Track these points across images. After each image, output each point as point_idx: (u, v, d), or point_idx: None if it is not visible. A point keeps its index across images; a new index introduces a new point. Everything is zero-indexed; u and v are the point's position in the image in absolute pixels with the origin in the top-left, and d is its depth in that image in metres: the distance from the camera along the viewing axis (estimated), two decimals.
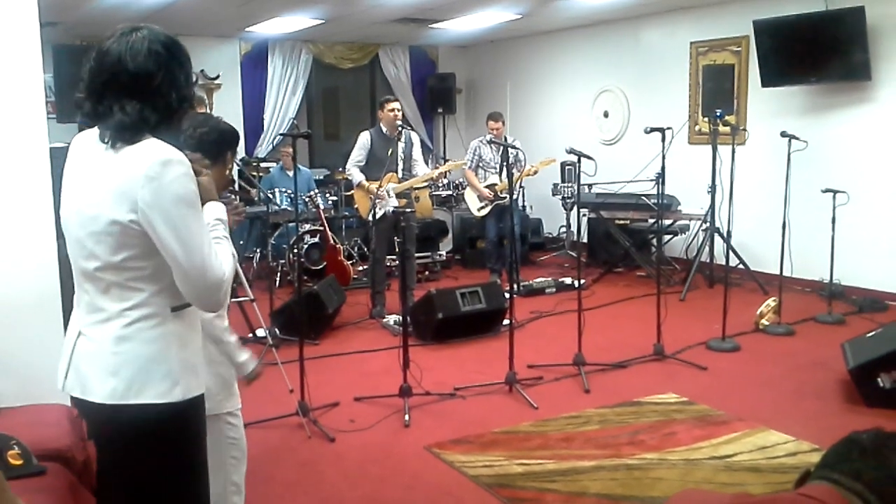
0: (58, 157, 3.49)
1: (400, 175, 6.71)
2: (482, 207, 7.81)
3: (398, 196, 6.63)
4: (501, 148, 7.57)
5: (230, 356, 2.69)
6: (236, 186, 8.72)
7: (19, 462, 2.59)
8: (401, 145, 6.68)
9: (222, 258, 1.96)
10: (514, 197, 7.85)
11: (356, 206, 7.08)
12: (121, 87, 1.85)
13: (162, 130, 1.91)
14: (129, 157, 1.85)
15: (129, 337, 1.91)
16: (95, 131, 1.94)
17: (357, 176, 6.70)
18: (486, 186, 7.74)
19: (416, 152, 6.90)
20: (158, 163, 1.83)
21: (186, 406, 1.97)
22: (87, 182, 1.90)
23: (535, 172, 7.66)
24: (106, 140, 1.88)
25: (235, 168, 8.66)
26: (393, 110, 6.66)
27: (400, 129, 6.64)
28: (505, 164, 6.13)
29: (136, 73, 1.85)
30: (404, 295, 5.16)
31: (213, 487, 2.20)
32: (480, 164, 7.84)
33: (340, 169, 8.55)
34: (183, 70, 1.94)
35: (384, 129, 6.72)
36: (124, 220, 1.84)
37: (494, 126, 7.63)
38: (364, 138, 6.75)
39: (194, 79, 1.99)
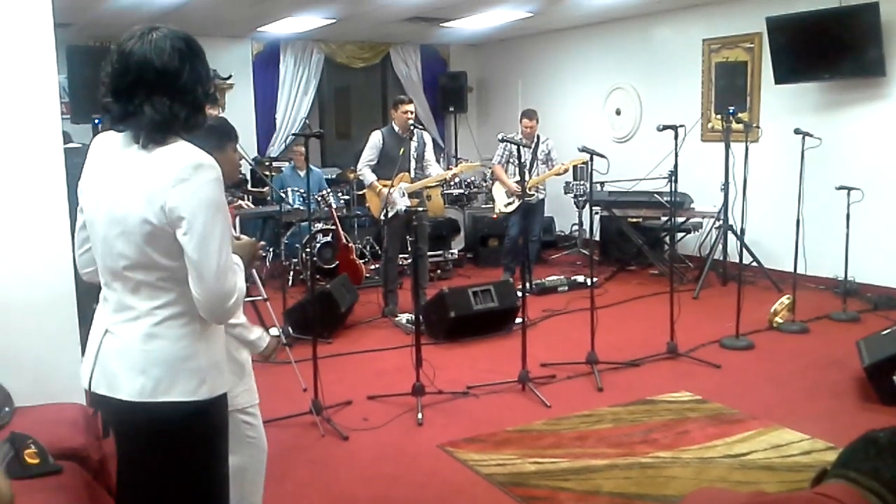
0: (72, 158, 3.53)
1: (412, 175, 6.70)
2: (510, 203, 7.75)
3: (410, 196, 6.62)
4: (534, 145, 7.53)
5: (242, 337, 2.68)
6: (249, 185, 8.76)
7: (36, 461, 2.61)
8: (413, 145, 6.67)
9: (238, 277, 1.99)
10: (542, 197, 7.85)
11: (368, 205, 7.09)
12: (149, 86, 1.87)
13: (191, 127, 1.93)
14: (161, 159, 1.87)
15: (159, 335, 1.94)
16: (119, 134, 1.95)
17: (369, 176, 6.69)
18: (515, 183, 7.66)
19: (429, 153, 6.88)
20: (190, 166, 1.86)
21: (212, 404, 2.00)
22: (118, 182, 1.91)
23: (566, 171, 7.61)
24: (139, 141, 1.89)
25: (246, 165, 8.69)
26: (406, 112, 6.62)
27: (412, 128, 6.63)
28: (518, 164, 6.06)
29: (163, 71, 1.87)
30: (417, 294, 5.16)
31: (233, 487, 2.20)
32: (511, 160, 7.73)
33: (352, 168, 8.56)
34: (204, 66, 1.97)
35: (396, 129, 6.71)
36: (154, 221, 1.85)
37: (529, 124, 7.53)
38: (376, 138, 6.74)
39: (213, 73, 2.01)
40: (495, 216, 8.19)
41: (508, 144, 7.51)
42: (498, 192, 7.86)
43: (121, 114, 1.90)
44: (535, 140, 7.59)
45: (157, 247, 1.89)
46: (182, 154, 1.88)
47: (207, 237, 1.86)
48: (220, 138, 2.55)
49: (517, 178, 7.49)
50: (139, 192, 1.86)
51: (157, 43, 1.88)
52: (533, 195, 7.45)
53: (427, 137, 6.93)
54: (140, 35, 1.89)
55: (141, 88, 1.87)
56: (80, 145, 4.04)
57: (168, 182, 1.84)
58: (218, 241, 1.88)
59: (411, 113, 6.66)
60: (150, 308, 1.94)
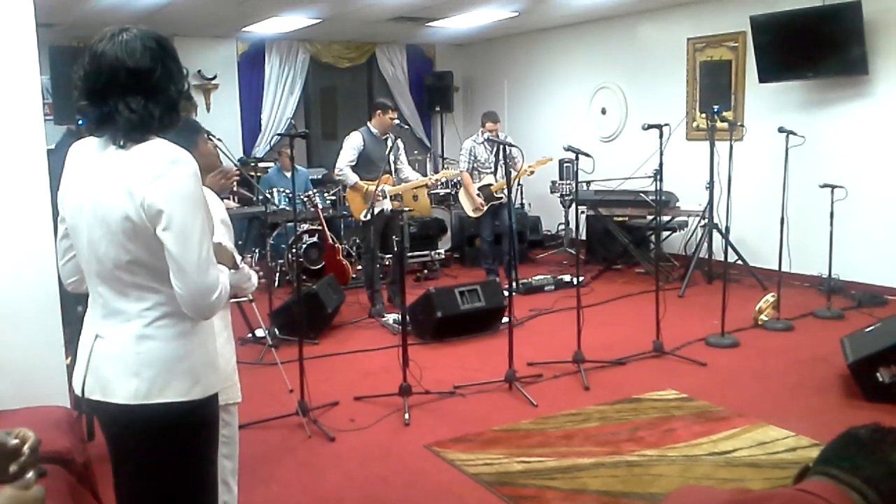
0: (55, 159, 3.51)
1: (393, 179, 6.84)
2: (476, 208, 7.80)
3: (391, 198, 6.69)
4: (496, 147, 7.55)
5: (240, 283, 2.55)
6: (235, 186, 8.72)
7: None
8: (389, 148, 6.78)
9: (222, 273, 1.98)
10: (511, 195, 7.88)
11: (349, 204, 7.11)
12: (122, 86, 1.87)
13: (166, 125, 1.94)
14: (139, 156, 1.87)
15: (151, 336, 1.94)
16: (95, 139, 1.95)
17: (352, 177, 6.70)
18: (482, 187, 7.72)
19: (403, 158, 7.05)
20: (167, 161, 1.86)
21: (205, 403, 2.01)
22: (98, 183, 1.91)
23: (532, 173, 7.67)
24: (118, 141, 1.89)
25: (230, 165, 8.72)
26: (394, 118, 6.79)
27: (395, 131, 6.73)
28: (504, 162, 6.13)
29: (135, 70, 1.87)
30: (402, 293, 5.16)
31: None
32: (475, 166, 7.80)
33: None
34: (176, 64, 1.97)
35: (374, 131, 6.75)
36: (134, 218, 1.85)
37: (493, 127, 7.59)
38: (357, 139, 6.75)
39: (186, 72, 2.01)
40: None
41: (472, 149, 7.74)
42: (464, 198, 7.90)
43: (97, 116, 1.90)
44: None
45: (139, 245, 1.89)
46: (158, 150, 1.88)
47: (187, 231, 1.86)
48: (187, 136, 2.52)
49: (484, 182, 7.65)
50: (118, 191, 1.86)
51: (129, 43, 1.88)
52: (500, 197, 7.54)
53: (400, 142, 7.01)
54: (111, 36, 1.90)
55: (114, 89, 1.87)
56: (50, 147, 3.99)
57: (146, 178, 1.84)
58: (198, 234, 1.88)
59: (396, 119, 6.85)
60: (140, 310, 1.94)
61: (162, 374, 1.93)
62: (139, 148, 1.88)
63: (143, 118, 1.88)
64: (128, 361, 1.93)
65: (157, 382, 1.93)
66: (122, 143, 1.88)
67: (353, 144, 6.75)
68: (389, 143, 6.75)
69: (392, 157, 6.81)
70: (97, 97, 1.89)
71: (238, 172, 3.18)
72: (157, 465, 2.00)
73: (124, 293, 1.95)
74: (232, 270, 2.19)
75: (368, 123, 6.84)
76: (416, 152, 10.18)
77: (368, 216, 6.56)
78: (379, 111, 6.83)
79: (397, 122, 6.79)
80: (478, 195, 7.70)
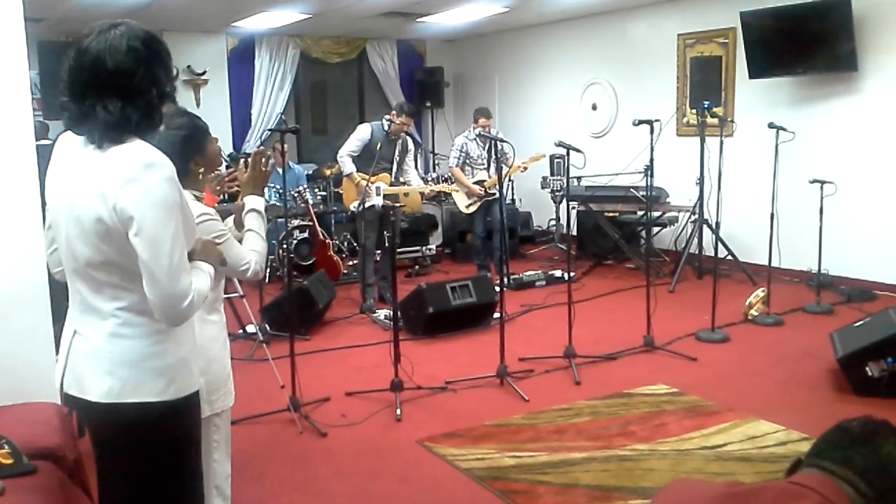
0: (44, 155, 3.48)
1: (392, 178, 6.84)
2: (471, 204, 7.78)
3: (385, 197, 6.69)
4: (488, 143, 7.54)
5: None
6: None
7: (9, 461, 2.58)
8: (398, 148, 6.79)
9: (198, 278, 1.96)
10: (503, 191, 7.89)
11: (342, 193, 7.12)
12: (101, 86, 1.83)
13: (143, 129, 1.89)
14: (114, 158, 1.84)
15: (124, 335, 1.93)
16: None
17: (349, 166, 6.72)
18: (475, 183, 7.71)
19: (410, 160, 7.02)
20: (141, 165, 1.83)
21: (181, 404, 1.98)
22: (75, 182, 1.89)
23: (525, 169, 7.67)
24: (94, 142, 1.87)
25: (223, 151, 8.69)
26: (407, 125, 6.82)
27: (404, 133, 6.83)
28: (495, 158, 6.12)
29: (115, 71, 1.83)
30: (394, 289, 5.15)
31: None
32: (467, 161, 7.78)
33: (329, 164, 8.50)
34: (163, 66, 1.92)
35: (387, 128, 6.75)
36: (107, 220, 1.83)
37: (485, 123, 7.59)
38: (365, 131, 6.77)
39: (175, 73, 1.96)
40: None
41: (464, 145, 7.72)
42: (457, 194, 7.88)
43: (77, 114, 1.86)
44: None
45: (112, 246, 1.87)
46: (133, 153, 1.84)
47: (158, 238, 1.83)
48: (198, 143, 2.51)
49: (477, 178, 7.64)
50: (93, 192, 1.84)
51: (113, 42, 1.83)
52: (493, 193, 7.55)
53: (411, 144, 7.01)
54: (99, 32, 1.85)
55: (93, 88, 1.83)
56: (51, 142, 3.99)
57: (118, 182, 1.81)
58: (169, 241, 1.84)
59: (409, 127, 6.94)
60: (114, 308, 1.93)
61: (135, 374, 1.92)
62: (115, 150, 1.85)
63: (119, 121, 1.84)
64: (102, 359, 1.93)
65: (131, 382, 1.91)
66: (98, 143, 1.86)
67: (359, 136, 6.78)
68: (399, 141, 6.82)
69: (397, 157, 6.87)
70: (77, 94, 1.85)
71: (234, 178, 3.16)
72: (134, 464, 1.99)
73: (99, 291, 1.93)
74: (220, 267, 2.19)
75: (386, 118, 6.81)
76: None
77: (360, 208, 6.56)
78: (397, 113, 6.78)
79: (410, 130, 6.89)
80: (475, 184, 7.68)
